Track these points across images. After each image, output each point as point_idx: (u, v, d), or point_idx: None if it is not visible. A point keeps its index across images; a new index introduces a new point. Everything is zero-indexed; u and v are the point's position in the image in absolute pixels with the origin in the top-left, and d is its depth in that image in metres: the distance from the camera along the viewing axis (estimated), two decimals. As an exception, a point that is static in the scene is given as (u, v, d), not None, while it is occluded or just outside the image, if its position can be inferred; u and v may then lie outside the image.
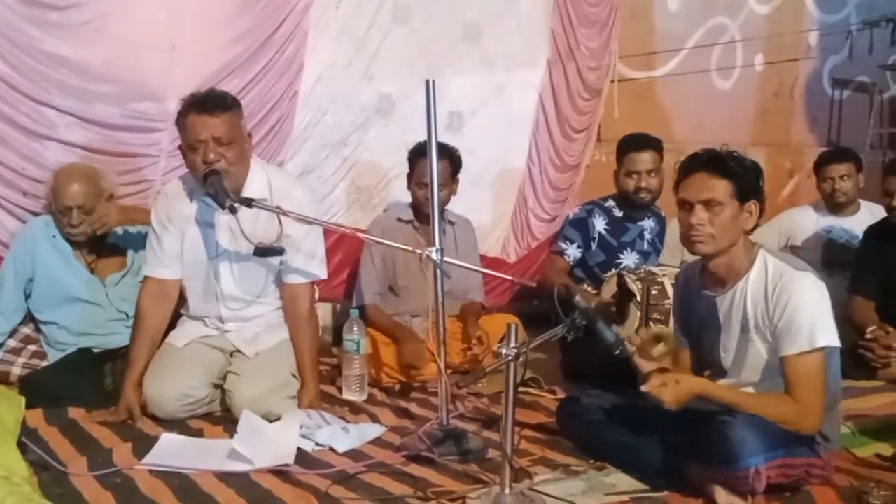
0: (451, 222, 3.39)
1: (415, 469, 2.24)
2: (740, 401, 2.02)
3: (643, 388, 1.98)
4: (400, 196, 3.60)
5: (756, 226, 2.17)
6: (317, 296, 3.02)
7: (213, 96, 2.57)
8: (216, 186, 2.45)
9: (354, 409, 2.80)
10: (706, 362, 2.32)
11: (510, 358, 1.93)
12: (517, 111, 4.24)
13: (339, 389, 2.97)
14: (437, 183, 2.47)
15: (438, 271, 2.41)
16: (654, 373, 2.03)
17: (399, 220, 3.31)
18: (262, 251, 2.58)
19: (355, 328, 2.95)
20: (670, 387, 1.97)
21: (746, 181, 2.11)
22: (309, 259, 2.75)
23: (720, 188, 2.09)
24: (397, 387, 3.08)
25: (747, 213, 2.13)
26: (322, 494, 2.06)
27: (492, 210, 4.22)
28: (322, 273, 2.83)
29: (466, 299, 3.38)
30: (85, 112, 3.10)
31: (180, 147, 2.62)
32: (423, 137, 3.05)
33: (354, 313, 3.04)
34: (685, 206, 2.14)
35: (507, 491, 1.95)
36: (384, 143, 3.78)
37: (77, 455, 2.29)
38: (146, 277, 2.77)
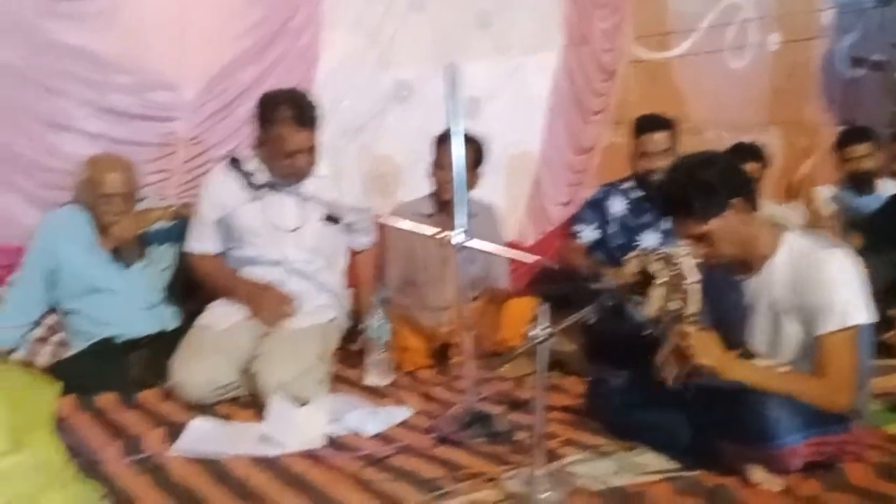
0: (471, 214, 3.38)
1: (444, 452, 2.25)
2: (770, 382, 2.01)
3: (660, 357, 1.98)
4: (419, 184, 3.58)
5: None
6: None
7: (306, 109, 2.75)
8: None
9: (380, 393, 2.81)
10: (732, 345, 2.31)
11: (540, 339, 1.93)
12: (532, 95, 4.23)
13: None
14: (461, 165, 2.47)
15: (462, 255, 2.40)
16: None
17: (418, 214, 3.30)
18: (329, 218, 2.75)
19: (378, 312, 2.95)
20: (709, 348, 1.95)
21: (716, 198, 2.07)
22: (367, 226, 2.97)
23: (698, 226, 2.09)
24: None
25: (740, 213, 2.09)
26: (354, 477, 2.07)
27: (507, 194, 4.21)
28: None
29: (489, 287, 3.37)
30: (101, 102, 3.11)
31: (260, 139, 2.77)
32: (442, 124, 3.09)
33: (377, 298, 3.05)
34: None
35: (539, 471, 1.95)
36: (402, 131, 3.78)
37: (108, 442, 2.31)
38: (190, 254, 2.90)
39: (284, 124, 2.70)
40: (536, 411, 1.97)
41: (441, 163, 3.22)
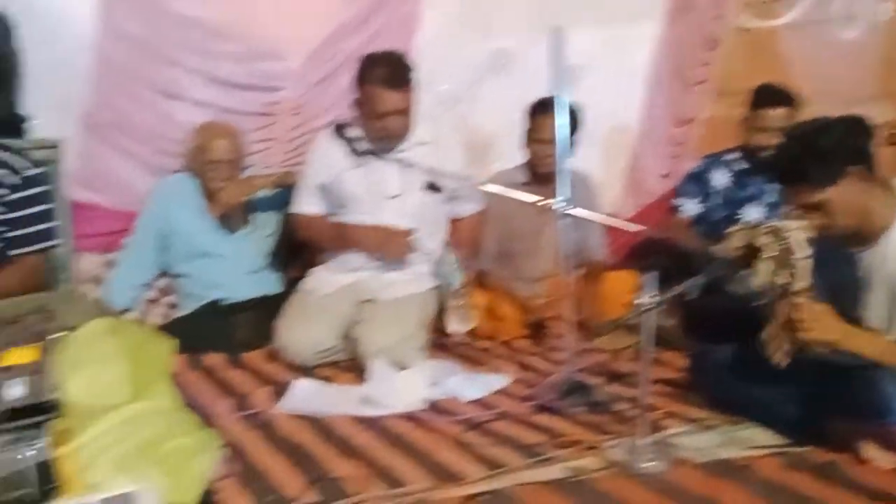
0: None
1: (543, 419, 2.25)
2: (892, 356, 1.93)
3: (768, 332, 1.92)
4: (516, 155, 3.56)
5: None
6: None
7: (400, 70, 2.75)
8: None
9: (478, 360, 2.83)
10: (845, 321, 2.22)
11: (647, 308, 1.91)
12: (633, 64, 4.13)
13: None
14: (565, 135, 2.44)
15: (564, 222, 2.39)
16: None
17: (513, 182, 3.28)
18: (431, 187, 2.80)
19: (448, 258, 2.95)
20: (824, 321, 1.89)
21: (833, 166, 1.97)
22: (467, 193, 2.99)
23: (812, 194, 1.99)
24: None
25: (858, 183, 1.99)
26: (455, 439, 2.09)
27: (605, 166, 4.13)
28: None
29: (586, 259, 3.34)
30: (212, 71, 3.20)
31: (357, 100, 2.79)
32: (541, 93, 3.07)
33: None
34: None
35: (642, 441, 1.93)
36: (500, 101, 3.75)
37: (218, 398, 2.40)
38: (297, 215, 2.96)
39: (377, 84, 2.72)
40: (641, 379, 1.95)
41: (537, 133, 3.20)
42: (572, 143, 3.23)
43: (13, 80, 2.37)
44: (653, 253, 3.70)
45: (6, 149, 2.47)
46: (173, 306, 3.18)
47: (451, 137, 3.05)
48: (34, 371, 1.60)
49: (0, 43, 2.36)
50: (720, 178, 3.36)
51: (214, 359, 2.78)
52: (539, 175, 3.24)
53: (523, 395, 2.44)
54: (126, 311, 3.04)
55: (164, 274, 3.19)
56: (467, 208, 3.07)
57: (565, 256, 2.41)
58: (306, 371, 2.65)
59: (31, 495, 1.28)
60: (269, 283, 3.18)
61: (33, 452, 1.31)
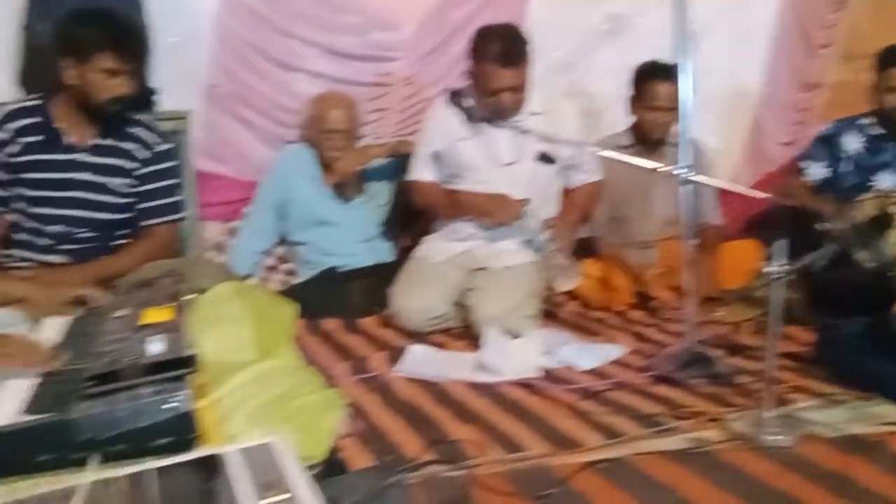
0: (673, 144, 3.28)
1: (662, 390, 2.21)
2: None
3: None
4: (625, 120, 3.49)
5: None
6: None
7: (514, 46, 2.71)
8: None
9: (591, 330, 2.80)
10: None
11: (777, 276, 1.84)
12: (755, 27, 3.96)
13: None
14: (688, 100, 2.37)
15: (667, 191, 2.33)
16: None
17: (619, 146, 3.23)
18: (544, 157, 2.77)
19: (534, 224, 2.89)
20: None
21: None
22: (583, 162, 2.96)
23: None
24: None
25: None
26: (571, 407, 2.08)
27: (723, 134, 4.00)
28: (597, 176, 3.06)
29: (702, 227, 3.25)
30: (328, 43, 3.26)
31: (470, 73, 2.78)
32: (655, 58, 2.99)
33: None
34: None
35: (768, 413, 1.87)
36: (613, 66, 3.66)
37: (337, 361, 2.47)
38: (413, 182, 2.97)
39: (490, 61, 2.69)
40: (768, 351, 1.89)
41: (646, 99, 3.13)
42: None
43: (144, 55, 2.47)
44: (778, 221, 3.58)
45: (139, 123, 2.59)
46: (291, 273, 3.28)
47: (564, 106, 3.00)
48: (171, 329, 1.68)
49: (131, 19, 2.47)
50: (852, 143, 3.20)
51: (331, 324, 2.85)
52: (647, 140, 3.19)
53: (640, 365, 2.40)
54: (247, 277, 3.15)
55: (282, 242, 3.29)
56: (582, 177, 3.03)
57: (685, 225, 2.34)
58: (419, 337, 2.68)
59: (175, 443, 1.35)
60: (383, 252, 3.24)
61: (176, 404, 1.38)
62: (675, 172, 2.29)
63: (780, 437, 1.83)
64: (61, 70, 2.38)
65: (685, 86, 2.31)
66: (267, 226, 3.23)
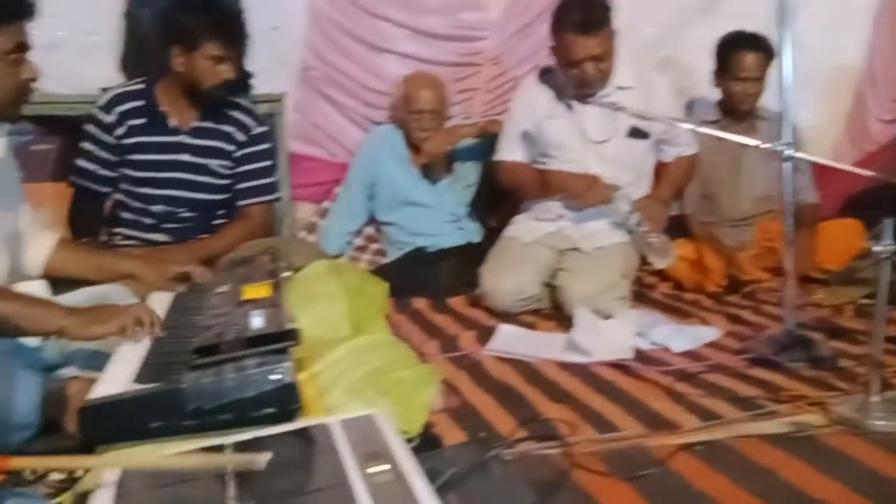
0: (763, 118, 3.19)
1: (759, 373, 2.15)
2: None
3: None
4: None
5: None
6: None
7: (593, 14, 2.66)
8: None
9: (684, 312, 2.75)
10: None
11: (886, 255, 1.76)
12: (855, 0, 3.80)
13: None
14: (789, 75, 2.29)
15: (758, 166, 2.25)
16: None
17: (705, 121, 3.14)
18: (636, 133, 2.75)
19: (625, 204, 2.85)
20: None
21: None
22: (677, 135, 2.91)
23: None
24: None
25: None
26: (666, 389, 2.05)
27: (823, 111, 3.85)
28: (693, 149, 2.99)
29: (799, 205, 3.15)
30: (416, 24, 3.28)
31: (553, 48, 2.75)
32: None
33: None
34: None
35: (875, 398, 1.80)
36: (706, 42, 3.57)
37: (427, 339, 2.49)
38: (500, 162, 2.95)
39: (570, 31, 2.64)
40: (874, 333, 1.81)
41: (735, 70, 3.07)
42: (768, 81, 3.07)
43: (242, 39, 2.54)
44: (879, 200, 3.43)
45: (237, 106, 2.66)
46: (379, 253, 3.32)
47: (656, 81, 2.94)
48: (271, 304, 1.73)
49: (232, 5, 2.54)
50: (959, 119, 3.04)
51: (420, 303, 2.88)
52: (735, 112, 3.11)
53: (736, 348, 2.35)
54: (337, 256, 3.20)
55: (371, 222, 3.34)
56: (676, 151, 2.96)
57: (785, 203, 2.27)
58: (509, 317, 2.68)
59: (278, 414, 1.39)
60: (471, 232, 3.25)
61: (279, 376, 1.42)
62: (777, 149, 2.22)
63: (888, 423, 1.76)
64: (169, 58, 2.47)
65: (785, 59, 2.24)
66: (357, 206, 3.28)
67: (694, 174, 3.04)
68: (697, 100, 3.42)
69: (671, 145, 2.94)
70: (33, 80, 1.75)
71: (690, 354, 2.32)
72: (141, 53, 2.93)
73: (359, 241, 3.35)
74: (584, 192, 2.76)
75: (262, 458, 1.11)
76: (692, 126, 2.84)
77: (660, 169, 2.98)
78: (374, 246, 3.35)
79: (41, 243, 1.98)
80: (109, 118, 2.56)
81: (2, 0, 1.67)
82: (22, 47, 1.71)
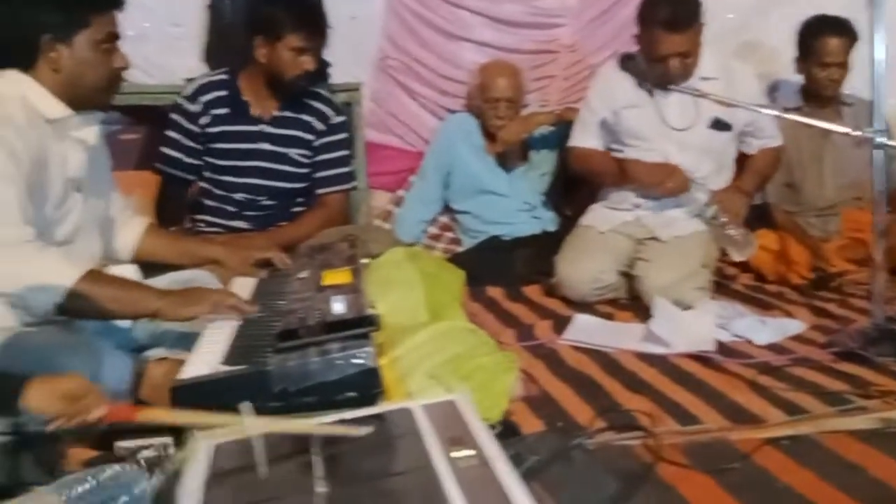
0: (846, 104, 3.07)
1: (846, 367, 2.08)
2: None
3: None
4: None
5: None
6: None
7: (683, 10, 2.61)
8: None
9: (767, 304, 2.68)
10: None
11: None
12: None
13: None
14: (881, 61, 2.20)
15: (878, 156, 2.16)
16: None
17: (786, 108, 3.04)
18: (718, 124, 2.68)
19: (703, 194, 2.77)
20: None
21: None
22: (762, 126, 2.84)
23: None
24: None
25: None
26: (749, 382, 2.01)
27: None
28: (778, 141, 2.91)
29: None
30: (493, 11, 3.27)
31: (637, 38, 2.71)
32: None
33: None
34: None
35: (972, 396, 1.73)
36: (788, 27, 3.46)
37: (502, 328, 2.49)
38: (575, 149, 2.92)
39: (658, 27, 2.59)
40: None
41: (819, 55, 2.98)
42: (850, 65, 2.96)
43: (324, 31, 2.57)
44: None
45: (317, 96, 2.71)
46: (454, 241, 3.33)
47: (740, 70, 2.86)
48: (351, 290, 1.76)
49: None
50: None
51: (495, 291, 2.88)
52: (817, 98, 3.06)
53: (822, 341, 2.28)
54: (412, 244, 3.22)
55: (446, 210, 3.35)
56: (761, 142, 2.88)
57: (877, 192, 2.19)
58: (584, 307, 2.66)
59: (360, 397, 1.41)
60: (546, 220, 3.23)
61: (362, 360, 1.44)
62: (867, 136, 2.14)
63: None
64: (252, 48, 2.52)
65: (877, 43, 2.15)
66: (432, 195, 3.29)
67: (778, 166, 2.96)
68: (781, 82, 3.33)
69: (755, 137, 2.86)
70: (124, 69, 1.80)
71: (774, 347, 2.27)
72: (223, 44, 3.00)
73: (433, 230, 3.36)
74: (661, 181, 2.71)
75: (364, 430, 1.17)
76: (776, 113, 2.77)
77: (743, 160, 2.90)
78: (449, 234, 3.36)
79: (131, 228, 2.05)
80: (195, 107, 2.63)
81: None
82: (113, 37, 1.75)
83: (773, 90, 3.33)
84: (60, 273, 1.57)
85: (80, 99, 1.73)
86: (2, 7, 1.70)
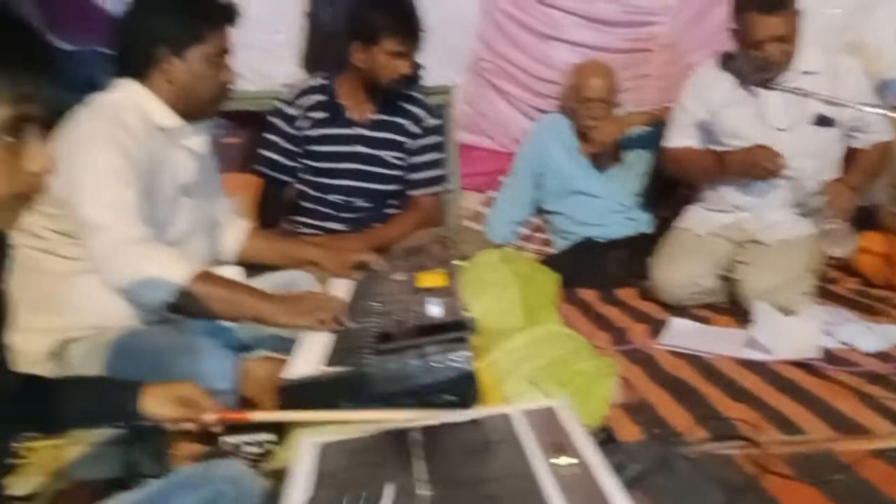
0: None
1: (961, 377, 1.99)
2: None
3: None
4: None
5: None
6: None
7: None
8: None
9: (874, 310, 2.57)
10: None
11: None
12: None
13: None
14: None
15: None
16: None
17: (894, 108, 2.89)
18: (822, 120, 2.61)
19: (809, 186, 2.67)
20: None
21: None
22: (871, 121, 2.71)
23: None
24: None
25: None
26: (855, 391, 1.93)
27: None
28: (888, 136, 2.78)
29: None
30: (587, 10, 3.23)
31: (734, 30, 2.63)
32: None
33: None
34: None
35: None
36: (894, 24, 3.32)
37: (596, 331, 2.47)
38: (669, 148, 2.87)
39: (753, 10, 2.51)
40: None
41: None
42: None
43: (420, 35, 2.60)
44: None
45: (411, 99, 2.74)
46: (546, 243, 3.31)
47: (846, 65, 2.74)
48: (447, 293, 1.77)
49: (411, 2, 2.61)
50: None
51: (588, 294, 2.86)
52: None
53: (936, 350, 2.18)
54: (503, 245, 3.22)
55: (538, 211, 3.33)
56: (870, 137, 2.75)
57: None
58: (681, 311, 2.60)
59: (457, 401, 1.42)
60: (641, 222, 3.19)
61: (459, 363, 1.45)
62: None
63: None
64: (350, 53, 2.57)
65: None
66: (523, 195, 3.28)
67: (888, 163, 2.82)
68: (891, 81, 3.18)
69: (864, 132, 2.74)
70: (231, 82, 1.86)
71: (882, 355, 2.18)
72: (321, 50, 3.07)
73: (525, 231, 3.35)
74: (753, 162, 2.59)
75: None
76: (883, 111, 2.64)
77: (852, 155, 2.78)
78: (540, 236, 3.34)
79: (236, 230, 2.12)
80: (294, 111, 2.70)
81: (211, 7, 1.78)
82: (224, 52, 1.81)
83: (883, 89, 3.18)
84: (175, 272, 1.64)
85: (191, 110, 1.80)
86: (122, 19, 1.79)
